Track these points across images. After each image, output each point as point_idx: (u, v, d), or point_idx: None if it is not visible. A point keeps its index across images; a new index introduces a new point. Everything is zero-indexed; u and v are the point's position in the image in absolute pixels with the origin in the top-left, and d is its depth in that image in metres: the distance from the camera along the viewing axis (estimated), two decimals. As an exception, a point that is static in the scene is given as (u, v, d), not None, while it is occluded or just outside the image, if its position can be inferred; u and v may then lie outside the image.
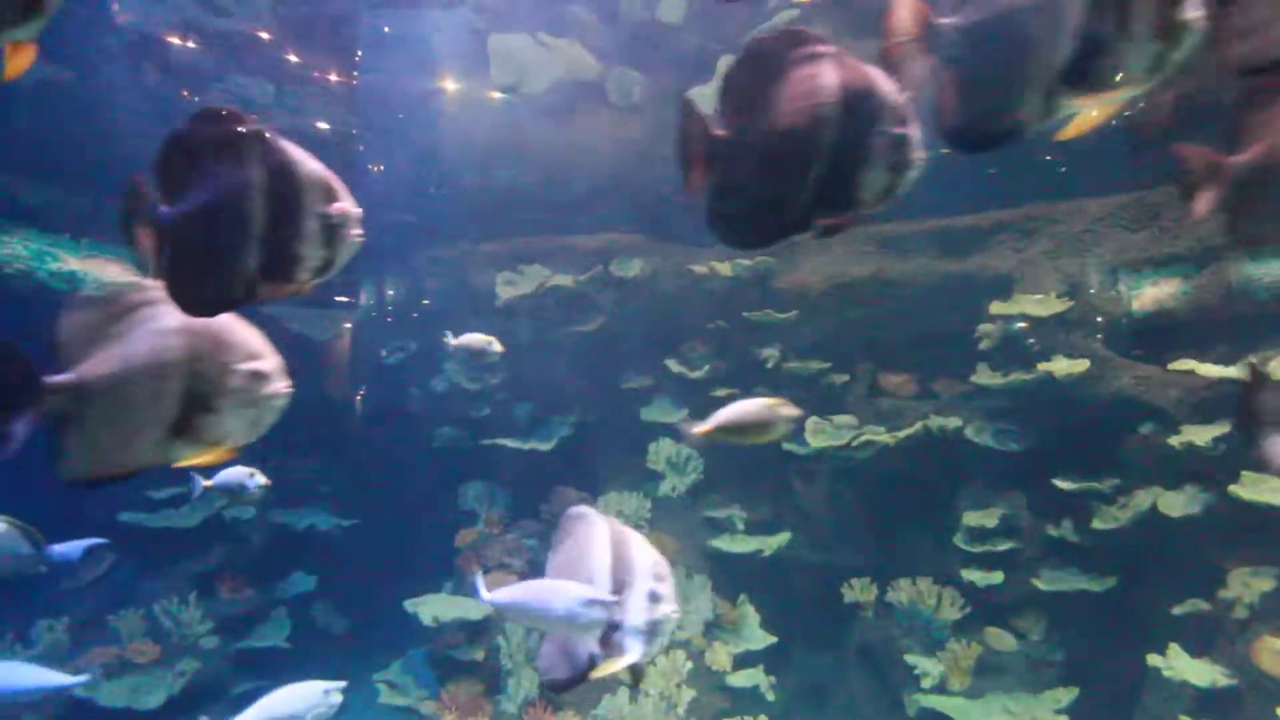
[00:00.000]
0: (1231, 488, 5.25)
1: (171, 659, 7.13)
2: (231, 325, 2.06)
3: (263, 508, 8.31)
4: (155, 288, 1.98)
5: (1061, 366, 6.42)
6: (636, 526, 8.17)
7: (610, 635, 2.43)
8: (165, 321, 1.98)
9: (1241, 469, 5.28)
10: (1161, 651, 5.40)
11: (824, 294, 7.90)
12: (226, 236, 1.91)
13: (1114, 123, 7.07)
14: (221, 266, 1.94)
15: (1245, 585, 5.15)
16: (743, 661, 7.10)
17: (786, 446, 7.70)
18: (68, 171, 7.49)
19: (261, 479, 4.76)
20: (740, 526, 7.91)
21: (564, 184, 9.33)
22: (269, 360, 2.07)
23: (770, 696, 6.83)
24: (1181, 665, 5.23)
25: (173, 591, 7.45)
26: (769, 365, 7.97)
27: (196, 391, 1.97)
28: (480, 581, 3.32)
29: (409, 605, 7.52)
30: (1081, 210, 6.90)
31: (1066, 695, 5.91)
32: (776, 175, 1.94)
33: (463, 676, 7.26)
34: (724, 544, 7.77)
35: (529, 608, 2.60)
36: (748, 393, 8.17)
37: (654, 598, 2.45)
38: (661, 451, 8.33)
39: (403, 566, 8.36)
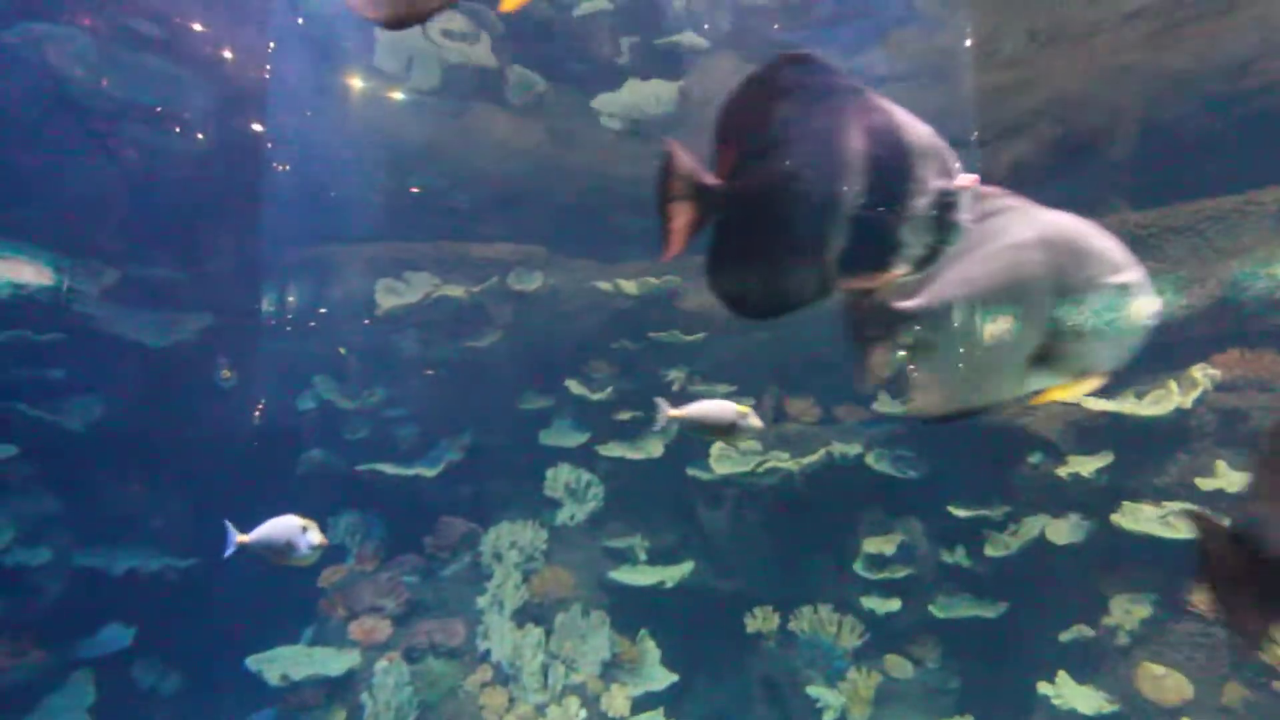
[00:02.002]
0: (1113, 517, 5.47)
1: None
2: (1092, 233, 1.77)
3: (63, 548, 6.86)
4: (999, 194, 1.80)
5: (957, 395, 6.54)
6: (530, 560, 7.54)
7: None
8: (1020, 234, 1.75)
9: (1122, 499, 5.53)
10: (1050, 677, 5.52)
11: (732, 317, 7.69)
12: (808, 216, 1.58)
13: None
14: (795, 255, 1.63)
15: (1126, 612, 5.37)
16: (642, 704, 6.66)
17: (691, 472, 7.42)
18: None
19: (317, 535, 3.75)
20: (642, 556, 7.51)
21: (459, 188, 8.58)
22: (1134, 271, 1.76)
23: (671, 741, 6.43)
24: (1069, 693, 5.36)
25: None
26: (675, 388, 7.65)
27: (1061, 313, 1.72)
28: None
29: (252, 663, 6.44)
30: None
31: (962, 724, 5.94)
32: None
33: (322, 744, 6.29)
34: (624, 576, 7.33)
35: None
36: (649, 419, 7.88)
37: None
38: (560, 478, 7.78)
39: (254, 613, 7.18)
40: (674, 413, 3.92)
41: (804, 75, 1.63)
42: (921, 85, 7.01)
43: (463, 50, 7.66)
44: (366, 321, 7.98)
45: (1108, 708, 5.21)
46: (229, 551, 3.95)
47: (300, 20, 7.61)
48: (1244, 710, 4.82)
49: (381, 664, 6.76)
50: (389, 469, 7.84)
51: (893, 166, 1.57)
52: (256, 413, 8.78)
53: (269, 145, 8.50)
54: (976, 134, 7.12)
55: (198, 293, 8.29)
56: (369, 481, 7.95)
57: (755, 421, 3.86)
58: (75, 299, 7.53)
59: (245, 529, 8.52)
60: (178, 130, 8.05)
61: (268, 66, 8.01)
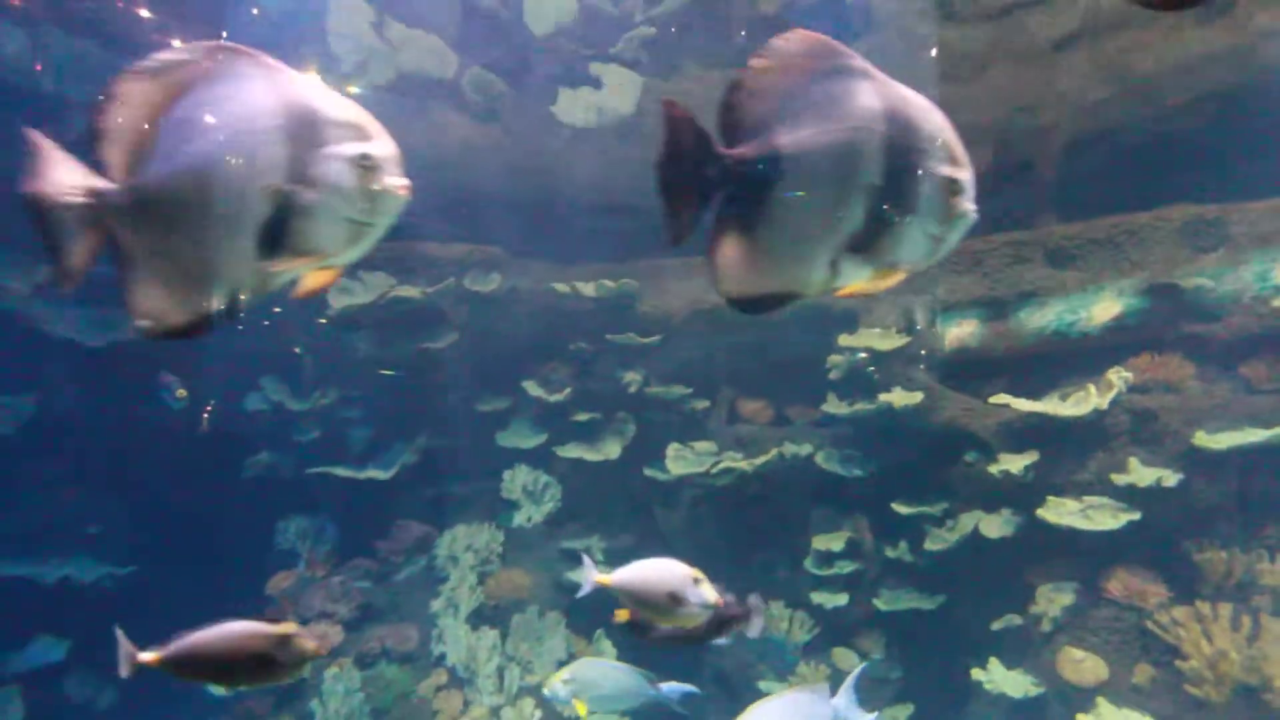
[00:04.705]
0: (1039, 511, 5.85)
1: None
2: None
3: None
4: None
5: (899, 397, 6.87)
6: (486, 562, 7.54)
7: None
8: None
9: (1047, 494, 5.91)
10: (984, 664, 5.85)
11: (688, 319, 7.89)
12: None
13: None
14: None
15: (1050, 600, 5.74)
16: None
17: (648, 473, 7.56)
18: None
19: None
20: (599, 557, 7.59)
21: (415, 187, 8.49)
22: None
23: (627, 738, 6.51)
24: (999, 677, 5.70)
25: None
26: (631, 390, 7.78)
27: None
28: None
29: (199, 671, 6.24)
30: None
31: (903, 712, 6.24)
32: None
33: (270, 753, 6.16)
34: (581, 577, 7.39)
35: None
36: (609, 417, 8.00)
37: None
38: (517, 479, 7.81)
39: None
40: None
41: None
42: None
43: (422, 47, 7.64)
44: (322, 321, 7.85)
45: (1034, 690, 5.56)
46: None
47: (255, 10, 7.46)
48: (1152, 687, 5.24)
49: (332, 670, 6.66)
50: (342, 472, 7.72)
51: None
52: (203, 415, 8.51)
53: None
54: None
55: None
56: (320, 485, 7.81)
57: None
58: (4, 296, 7.19)
59: (191, 535, 8.19)
60: None
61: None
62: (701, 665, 7.17)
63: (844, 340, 7.28)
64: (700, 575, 2.98)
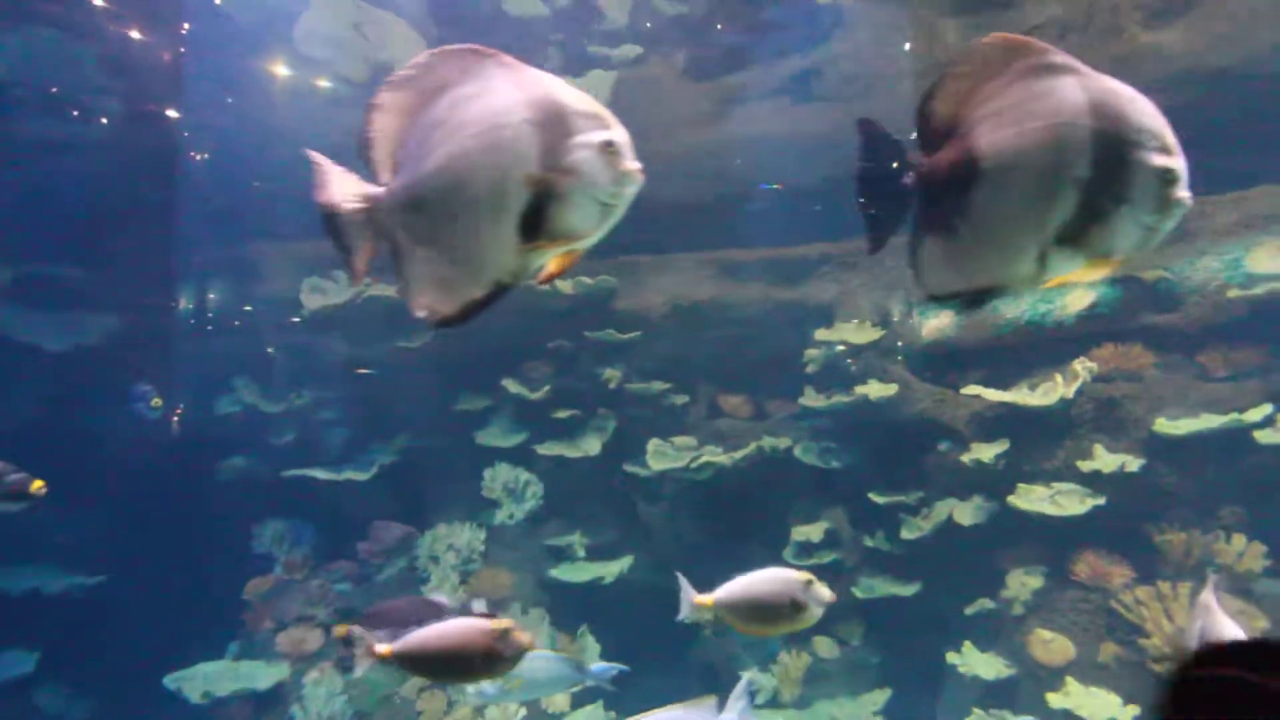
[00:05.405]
0: (1009, 498, 6.03)
1: None
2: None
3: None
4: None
5: (875, 390, 7.01)
6: (468, 561, 7.52)
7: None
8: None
9: (1017, 482, 6.10)
10: (958, 648, 6.03)
11: (666, 315, 7.93)
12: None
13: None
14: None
15: (1021, 584, 5.93)
16: (581, 698, 6.78)
17: (629, 468, 7.60)
18: None
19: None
20: (581, 553, 7.62)
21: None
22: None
23: (612, 732, 6.58)
24: (973, 660, 5.87)
25: None
26: (611, 386, 7.80)
27: None
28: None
29: (170, 681, 6.16)
30: (893, 246, 7.64)
31: (882, 696, 6.39)
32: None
33: (251, 761, 6.09)
34: (564, 573, 7.42)
35: None
36: (589, 414, 8.01)
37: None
38: (498, 477, 7.78)
39: (172, 630, 6.84)
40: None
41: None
42: (866, 85, 7.40)
43: (394, 39, 7.53)
44: (295, 320, 7.72)
45: (1006, 671, 5.75)
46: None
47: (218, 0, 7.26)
48: (1117, 666, 5.45)
49: (312, 675, 6.59)
50: (319, 474, 7.62)
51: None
52: (174, 418, 8.32)
53: (184, 134, 8.06)
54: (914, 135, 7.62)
55: (106, 292, 7.77)
56: (296, 487, 7.70)
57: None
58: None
59: (164, 542, 8.02)
60: (76, 114, 7.50)
61: (181, 49, 7.60)
62: (685, 656, 7.25)
63: (821, 335, 7.40)
64: (811, 577, 2.96)
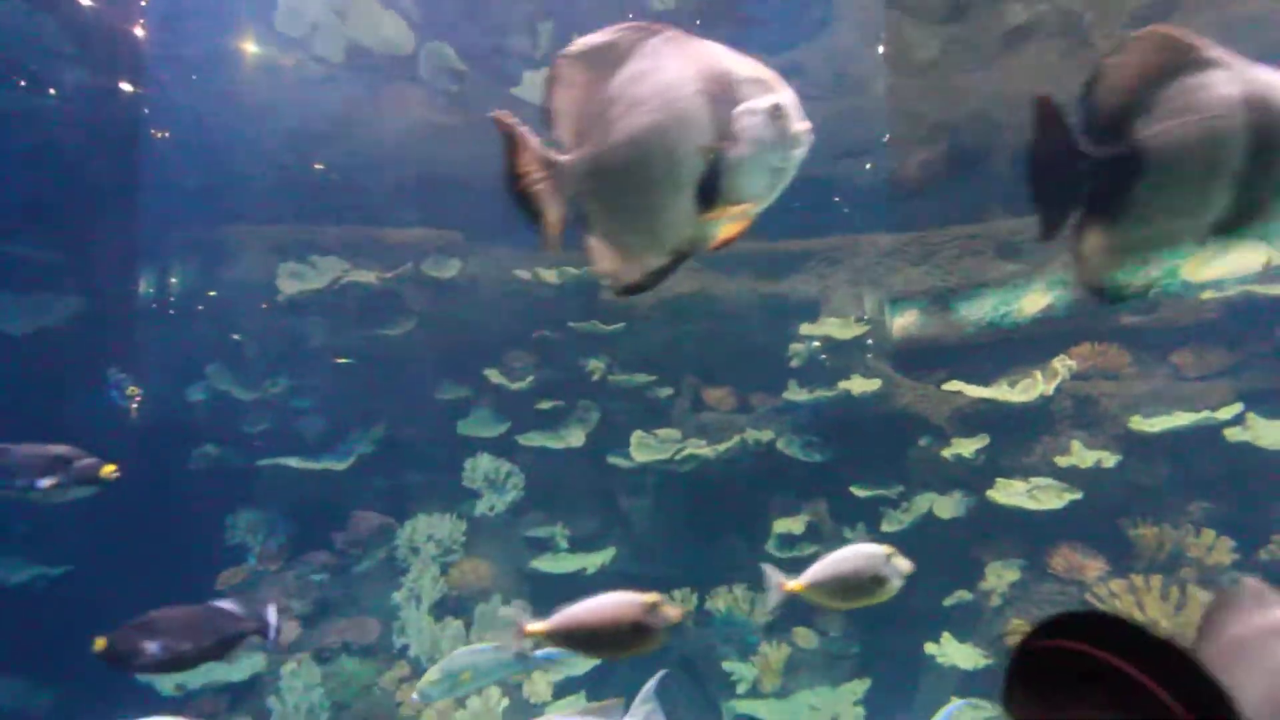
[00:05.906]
0: (988, 493, 6.12)
1: None
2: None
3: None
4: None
5: (857, 385, 7.07)
6: (449, 552, 7.44)
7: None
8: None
9: (996, 476, 6.20)
10: (936, 638, 6.12)
11: (651, 307, 7.89)
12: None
13: (882, 176, 8.07)
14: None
15: (999, 576, 6.04)
16: (563, 688, 6.76)
17: (612, 460, 7.57)
18: None
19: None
20: (563, 545, 7.58)
21: (371, 169, 8.21)
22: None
23: (593, 723, 6.57)
24: (952, 651, 5.97)
25: None
26: (595, 377, 7.76)
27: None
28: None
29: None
30: (875, 244, 7.70)
31: (861, 686, 6.47)
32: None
33: (225, 755, 5.97)
34: (545, 564, 7.39)
35: None
36: (572, 405, 7.95)
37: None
38: (479, 468, 7.70)
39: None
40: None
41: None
42: (844, 87, 7.42)
43: (374, 31, 7.33)
44: (264, 305, 7.52)
45: (983, 662, 5.86)
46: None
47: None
48: (1091, 655, 5.58)
49: (289, 666, 6.47)
50: (295, 463, 7.47)
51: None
52: (134, 405, 8.06)
53: (145, 110, 7.76)
54: (887, 136, 7.67)
55: (71, 275, 7.48)
56: (272, 477, 7.54)
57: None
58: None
59: (133, 532, 7.85)
60: (23, 85, 7.16)
61: (142, 21, 7.31)
62: (667, 649, 7.27)
63: (805, 329, 7.43)
64: (892, 549, 3.14)
